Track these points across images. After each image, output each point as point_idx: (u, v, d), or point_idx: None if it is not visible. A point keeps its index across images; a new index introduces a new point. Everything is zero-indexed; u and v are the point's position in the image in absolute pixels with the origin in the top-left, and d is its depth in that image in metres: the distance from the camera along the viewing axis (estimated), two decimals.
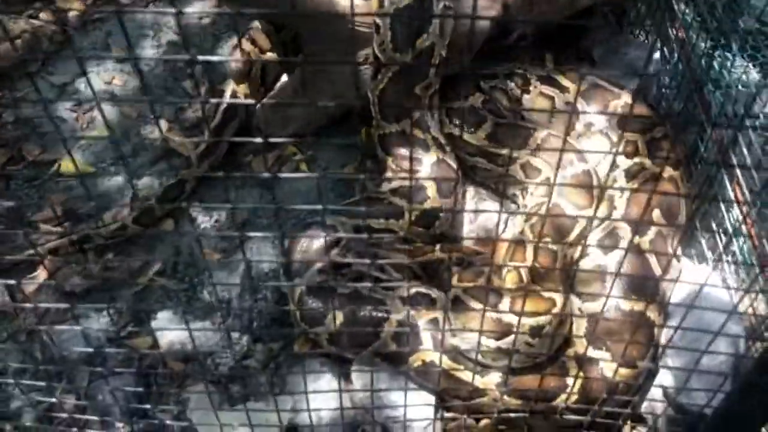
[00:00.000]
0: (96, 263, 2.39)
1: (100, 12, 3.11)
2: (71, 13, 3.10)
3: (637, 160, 2.38)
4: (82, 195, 2.58)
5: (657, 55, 2.75)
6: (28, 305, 2.25)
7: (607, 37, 2.93)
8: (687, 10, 2.65)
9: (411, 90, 2.41)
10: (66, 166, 2.65)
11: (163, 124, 2.76)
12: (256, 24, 2.83)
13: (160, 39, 3.08)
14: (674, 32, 2.67)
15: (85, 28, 3.07)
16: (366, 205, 2.37)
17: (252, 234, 2.52)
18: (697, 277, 2.13)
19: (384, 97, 2.43)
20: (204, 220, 2.54)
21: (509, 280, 2.15)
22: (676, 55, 2.64)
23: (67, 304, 2.28)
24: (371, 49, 2.44)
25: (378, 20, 2.39)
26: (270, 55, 2.79)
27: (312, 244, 2.25)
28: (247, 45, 2.76)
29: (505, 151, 2.45)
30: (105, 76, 2.90)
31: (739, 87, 2.48)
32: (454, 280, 2.14)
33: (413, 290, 2.16)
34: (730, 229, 2.16)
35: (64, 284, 2.34)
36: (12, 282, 2.24)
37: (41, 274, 2.38)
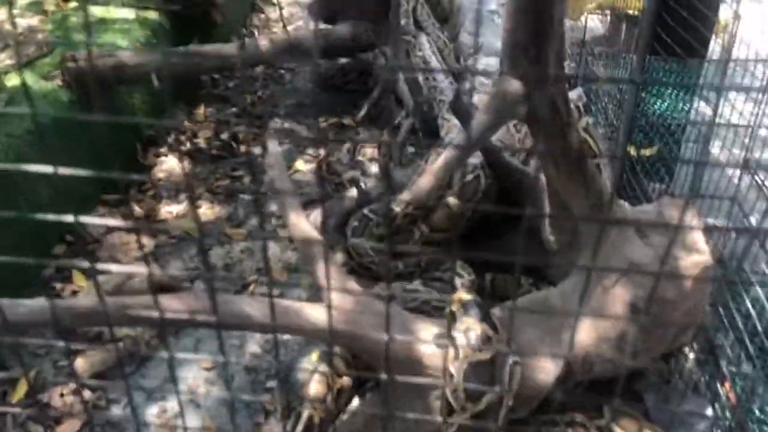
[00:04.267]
0: None
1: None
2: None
3: None
4: None
5: (710, 411, 2.91)
6: None
7: (658, 384, 3.13)
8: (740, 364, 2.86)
9: None
10: None
11: None
12: (337, 350, 3.12)
13: (245, 348, 3.38)
14: (725, 392, 2.86)
15: (178, 335, 3.40)
16: None
17: None
18: None
19: None
20: None
21: None
22: (728, 416, 2.80)
23: None
24: (442, 394, 2.66)
25: (452, 369, 2.63)
26: (346, 380, 3.03)
27: None
28: (325, 369, 3.01)
29: None
30: (191, 383, 3.15)
31: None
32: None
33: None
34: None
35: None
36: None
37: None
